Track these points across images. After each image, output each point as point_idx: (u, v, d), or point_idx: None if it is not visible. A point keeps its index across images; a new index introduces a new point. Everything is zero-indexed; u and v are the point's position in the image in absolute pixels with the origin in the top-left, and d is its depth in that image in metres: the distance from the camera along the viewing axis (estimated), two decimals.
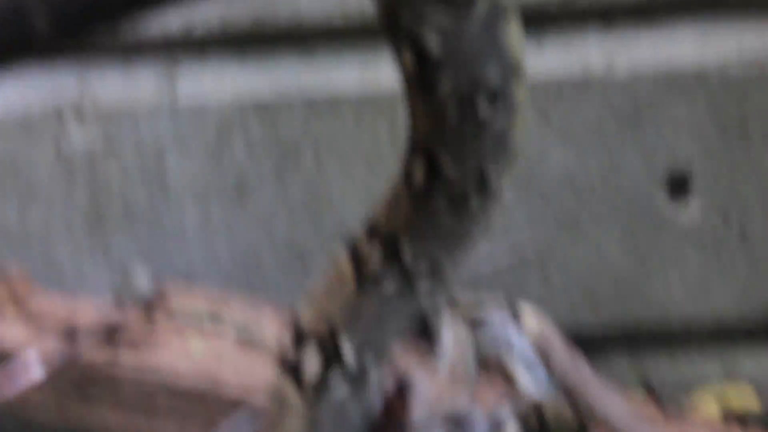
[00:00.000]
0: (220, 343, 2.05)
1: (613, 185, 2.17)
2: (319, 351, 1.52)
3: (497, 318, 2.11)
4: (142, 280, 2.21)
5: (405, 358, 2.13)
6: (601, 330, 2.23)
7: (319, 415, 1.54)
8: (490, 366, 2.14)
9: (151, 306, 2.15)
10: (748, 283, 2.19)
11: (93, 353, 1.91)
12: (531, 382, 2.09)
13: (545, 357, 1.79)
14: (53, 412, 1.94)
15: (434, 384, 1.86)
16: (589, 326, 2.22)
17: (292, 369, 1.53)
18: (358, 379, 1.55)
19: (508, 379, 2.17)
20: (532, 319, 1.84)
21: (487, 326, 2.13)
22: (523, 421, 1.68)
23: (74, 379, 1.90)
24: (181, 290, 2.19)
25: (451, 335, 2.07)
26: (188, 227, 2.21)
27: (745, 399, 2.34)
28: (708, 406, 2.28)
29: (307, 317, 1.53)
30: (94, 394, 1.91)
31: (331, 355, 1.54)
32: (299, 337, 1.53)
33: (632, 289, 2.20)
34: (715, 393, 2.28)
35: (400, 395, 1.70)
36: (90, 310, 2.08)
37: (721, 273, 2.19)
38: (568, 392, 1.77)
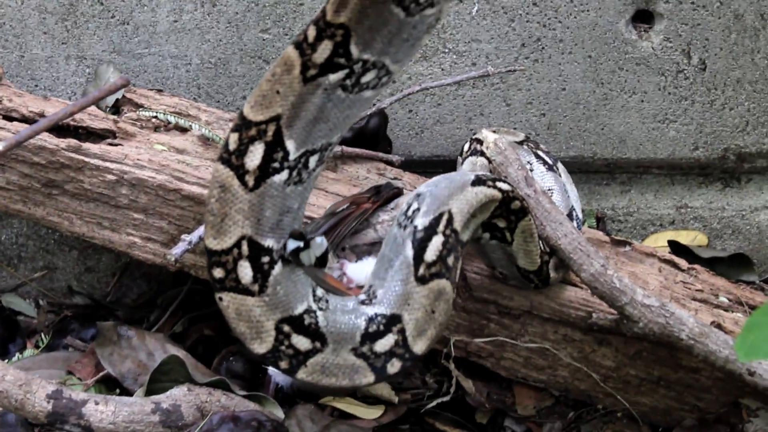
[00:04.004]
0: (182, 139, 2.08)
1: (578, 9, 2.17)
2: (260, 139, 1.55)
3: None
4: (111, 78, 2.23)
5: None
6: (559, 156, 2.27)
7: (260, 200, 1.58)
8: None
9: (117, 102, 2.18)
10: (706, 115, 2.22)
11: (56, 142, 1.95)
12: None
13: (503, 176, 1.83)
14: (18, 202, 1.99)
15: None
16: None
17: (235, 157, 1.56)
18: (297, 165, 1.58)
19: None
20: (492, 137, 1.88)
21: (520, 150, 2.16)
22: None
23: (39, 165, 1.94)
24: (148, 93, 2.22)
25: (468, 165, 2.10)
26: (160, 28, 2.22)
27: (694, 239, 2.40)
28: (658, 243, 2.34)
29: (251, 107, 1.55)
30: (57, 182, 1.95)
31: (272, 144, 1.57)
32: (242, 126, 1.56)
33: (591, 116, 2.23)
34: (668, 236, 2.34)
35: (376, 194, 1.76)
36: (58, 106, 2.11)
37: (679, 104, 2.21)
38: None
